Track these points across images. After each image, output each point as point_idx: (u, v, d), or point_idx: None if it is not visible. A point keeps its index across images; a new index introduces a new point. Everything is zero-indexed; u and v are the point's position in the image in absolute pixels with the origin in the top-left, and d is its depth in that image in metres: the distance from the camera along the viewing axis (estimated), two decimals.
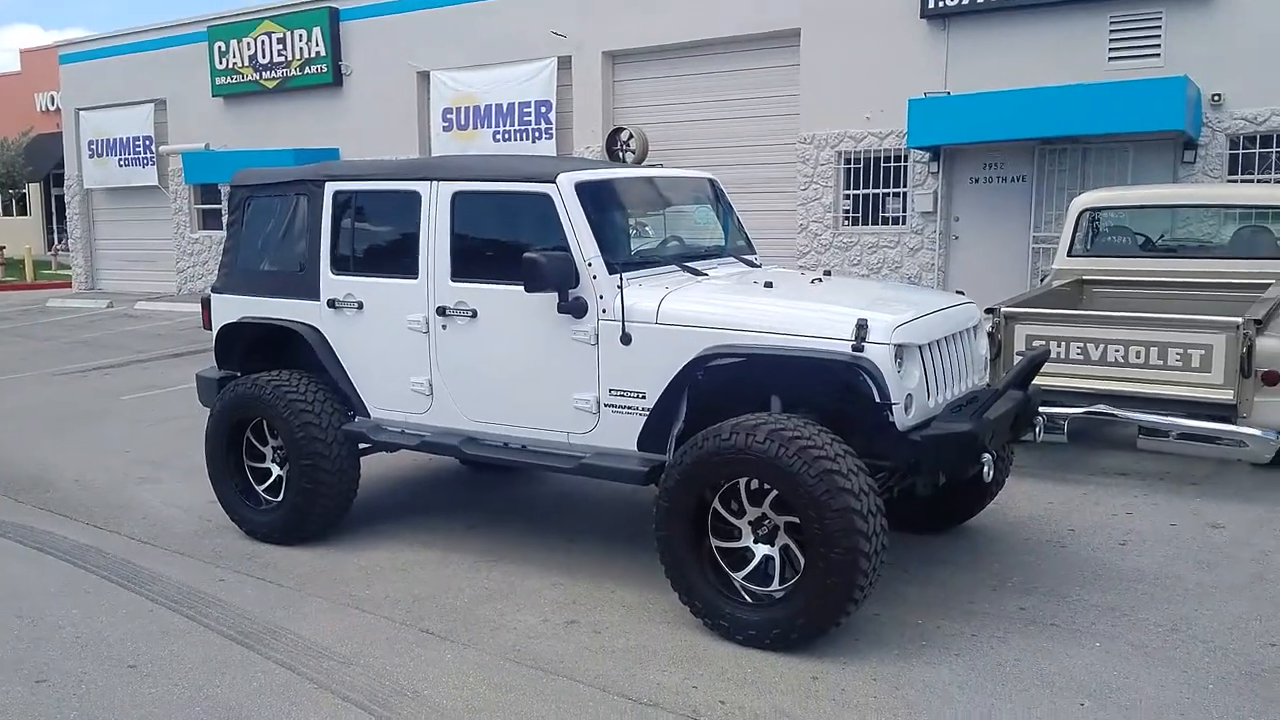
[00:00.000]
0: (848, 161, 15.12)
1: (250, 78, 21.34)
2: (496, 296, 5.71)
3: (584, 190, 5.56)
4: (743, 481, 4.93)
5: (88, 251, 25.15)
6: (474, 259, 5.87)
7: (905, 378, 4.96)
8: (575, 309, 5.43)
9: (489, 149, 18.06)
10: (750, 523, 5.01)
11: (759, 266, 6.42)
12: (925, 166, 14.44)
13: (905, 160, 14.63)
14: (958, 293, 6.06)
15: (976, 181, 14.20)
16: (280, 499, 6.52)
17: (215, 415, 6.70)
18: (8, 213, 37.85)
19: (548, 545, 6.34)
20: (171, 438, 9.57)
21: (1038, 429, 5.75)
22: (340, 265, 6.35)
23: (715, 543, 5.06)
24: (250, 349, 6.85)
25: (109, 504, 7.56)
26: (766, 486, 4.84)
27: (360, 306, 6.26)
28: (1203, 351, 6.86)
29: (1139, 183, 12.47)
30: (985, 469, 4.94)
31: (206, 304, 7.03)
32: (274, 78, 21.01)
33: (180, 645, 5.13)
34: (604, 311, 5.41)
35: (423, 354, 6.05)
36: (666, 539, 5.07)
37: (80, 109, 24.58)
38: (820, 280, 5.87)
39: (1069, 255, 9.23)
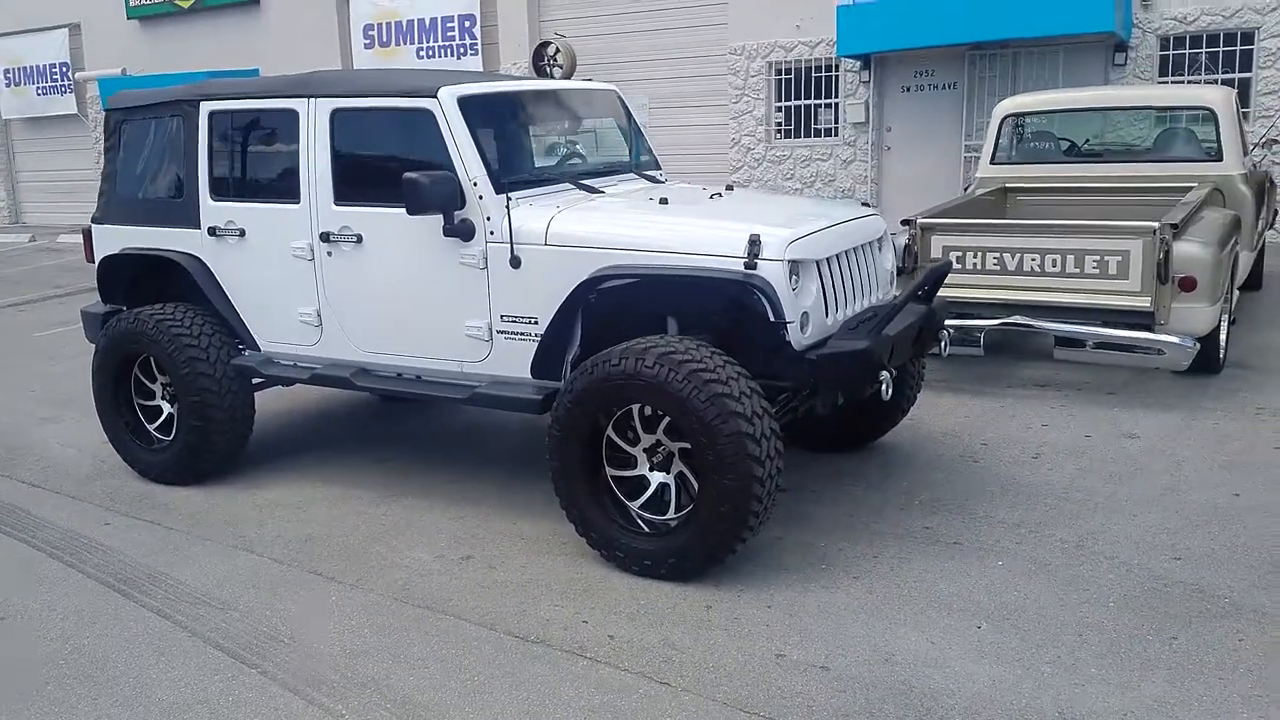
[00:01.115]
0: (778, 73, 14.80)
1: None
2: (381, 220, 5.42)
3: (468, 104, 5.25)
4: (635, 408, 4.74)
5: (10, 184, 24.32)
6: (357, 181, 5.56)
7: (801, 295, 4.77)
8: (462, 232, 5.17)
9: (414, 67, 17.50)
10: (645, 450, 4.83)
11: (663, 183, 6.15)
12: (856, 76, 14.16)
13: (836, 70, 14.33)
14: (863, 204, 5.86)
15: (908, 90, 13.95)
16: (171, 438, 6.26)
17: (99, 352, 6.40)
18: None
19: (454, 477, 6.15)
20: (81, 375, 9.11)
21: (943, 344, 5.59)
22: (219, 190, 6.02)
23: (610, 471, 4.88)
24: (134, 282, 6.53)
25: (5, 446, 7.27)
26: (659, 412, 4.65)
27: (242, 234, 5.94)
28: (1119, 258, 6.72)
29: (1070, 87, 12.26)
30: (883, 387, 4.77)
31: (88, 235, 6.68)
32: None
33: (55, 594, 4.91)
34: (491, 234, 5.15)
35: (309, 283, 5.77)
36: (560, 469, 4.88)
37: None
38: (720, 195, 5.63)
39: (992, 163, 9.04)
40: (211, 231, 6.01)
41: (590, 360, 4.72)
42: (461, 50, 17.08)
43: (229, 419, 6.10)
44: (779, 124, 14.90)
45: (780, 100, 14.84)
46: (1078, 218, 7.52)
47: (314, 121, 5.58)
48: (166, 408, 6.35)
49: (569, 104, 6.22)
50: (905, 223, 7.50)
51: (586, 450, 4.83)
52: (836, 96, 14.36)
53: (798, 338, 4.73)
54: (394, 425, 7.23)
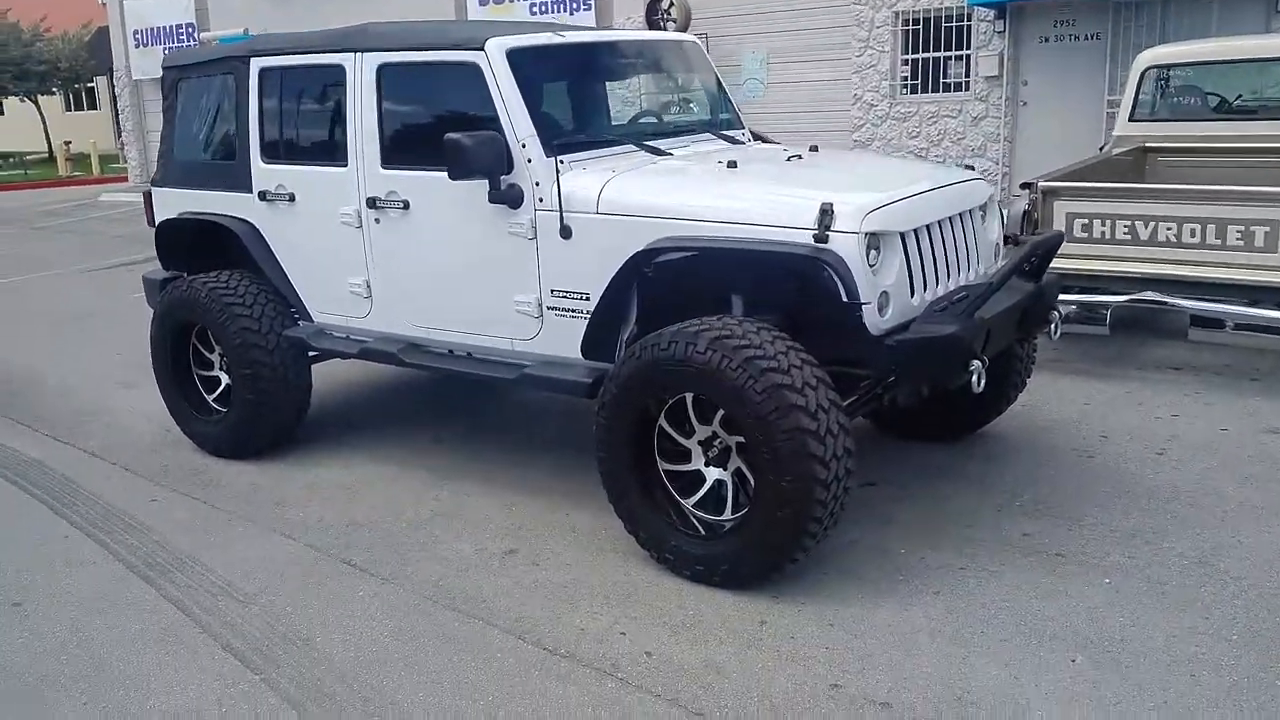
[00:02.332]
0: (906, 23, 13.86)
1: None
2: (428, 185, 5.01)
3: (518, 57, 4.78)
4: (689, 397, 4.23)
5: (141, 144, 24.88)
6: (404, 143, 5.17)
7: (881, 272, 4.18)
8: (509, 198, 4.72)
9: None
10: (700, 442, 4.34)
11: (743, 144, 5.58)
12: (990, 26, 13.14)
13: (968, 20, 13.33)
14: (966, 167, 5.20)
15: (1046, 41, 12.89)
16: (227, 410, 6.02)
17: (156, 321, 6.20)
18: (77, 107, 37.91)
19: (513, 461, 5.75)
20: None
21: (1054, 325, 4.91)
22: (271, 153, 5.70)
23: (663, 465, 4.40)
24: (194, 247, 6.29)
25: (76, 411, 7.17)
26: (714, 403, 4.14)
27: (292, 199, 5.62)
28: (1267, 228, 5.88)
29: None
30: (974, 378, 4.15)
31: (148, 198, 6.46)
32: None
33: (79, 578, 4.69)
34: (540, 201, 4.69)
35: (358, 252, 5.42)
36: (607, 459, 4.43)
37: None
38: (799, 157, 5.03)
39: (1131, 120, 8.15)
40: (262, 196, 5.71)
41: (639, 343, 4.24)
42: (575, 5, 16.60)
43: (283, 393, 5.82)
44: (905, 78, 13.99)
45: (907, 53, 13.92)
46: (1226, 183, 6.66)
47: (361, 77, 5.19)
48: (225, 379, 6.11)
49: (639, 57, 5.68)
50: (1025, 186, 6.77)
51: (636, 440, 4.35)
52: (968, 48, 13.37)
53: (875, 321, 4.15)
54: (455, 401, 6.86)
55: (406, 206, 5.14)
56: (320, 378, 6.70)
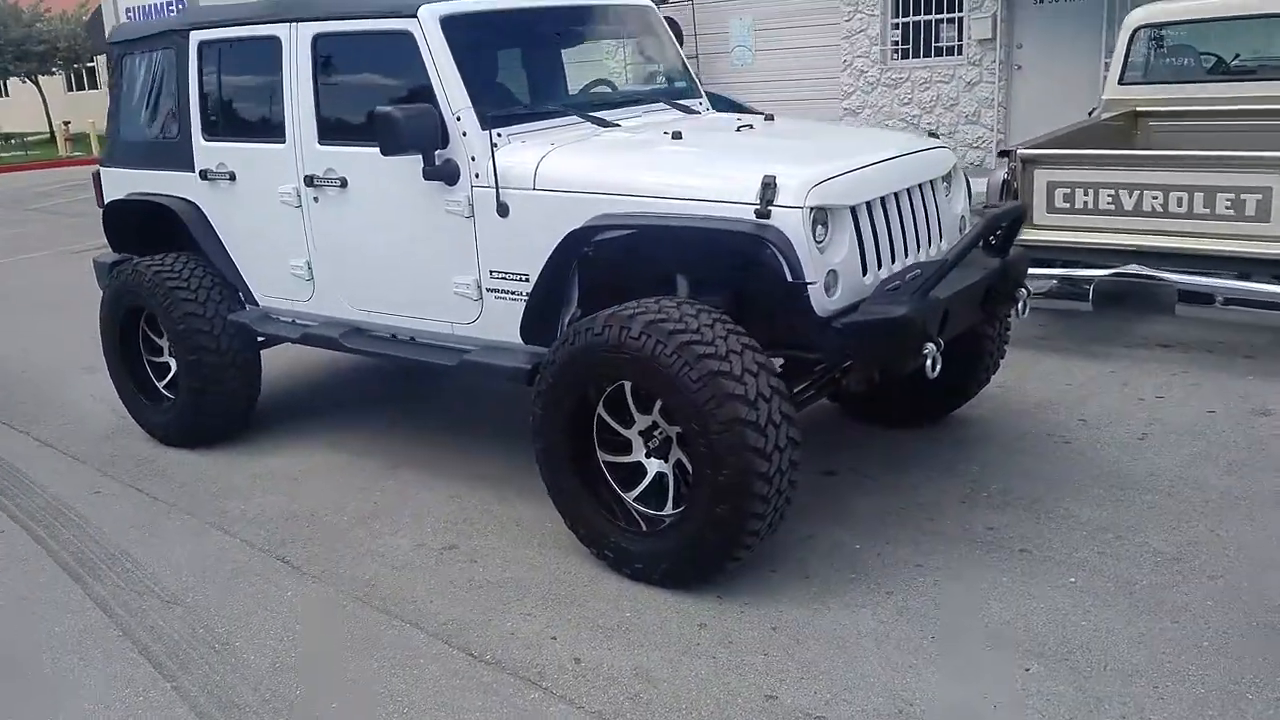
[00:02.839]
0: None
1: None
2: (366, 162, 4.76)
3: (453, 25, 4.52)
4: (627, 385, 4.00)
5: None
6: (341, 117, 4.92)
7: (830, 249, 3.92)
8: (445, 174, 4.48)
9: None
10: (641, 433, 4.10)
11: (699, 114, 5.31)
12: None
13: None
14: (930, 134, 4.92)
15: (1041, 3, 12.52)
16: (175, 398, 5.82)
17: (104, 305, 5.99)
18: (78, 87, 37.69)
19: (466, 447, 5.53)
20: None
21: (1021, 304, 4.63)
22: (211, 130, 5.47)
23: (603, 456, 4.17)
24: (143, 229, 6.05)
25: (36, 398, 6.99)
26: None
27: (233, 178, 5.39)
28: (1259, 196, 5.58)
29: None
30: (928, 362, 3.90)
31: (97, 179, 6.24)
32: None
33: (7, 578, 4.52)
34: (477, 176, 4.44)
35: (298, 232, 5.19)
36: (545, 450, 4.20)
37: None
38: (750, 127, 4.76)
39: (1121, 83, 7.82)
40: (204, 175, 5.48)
41: (573, 327, 4.00)
42: None
43: (230, 379, 5.61)
44: (895, 43, 13.62)
45: (897, 16, 13.55)
46: (1220, 148, 6.35)
47: (296, 49, 4.94)
48: (174, 365, 5.90)
49: (588, 22, 5.40)
50: (1004, 154, 6.47)
51: (574, 430, 4.12)
52: (960, 11, 12.99)
53: (822, 302, 3.89)
54: (418, 383, 6.62)
55: (344, 184, 4.90)
56: (281, 361, 6.51)
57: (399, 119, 4.26)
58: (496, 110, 4.55)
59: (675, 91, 5.41)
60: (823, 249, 3.89)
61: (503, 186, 4.35)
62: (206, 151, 5.46)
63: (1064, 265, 6.35)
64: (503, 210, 4.38)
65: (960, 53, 13.09)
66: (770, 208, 3.80)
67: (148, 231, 6.02)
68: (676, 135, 4.46)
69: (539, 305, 4.40)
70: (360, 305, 5.08)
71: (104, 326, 6.01)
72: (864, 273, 4.06)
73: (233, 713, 3.46)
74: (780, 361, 4.22)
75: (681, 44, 5.64)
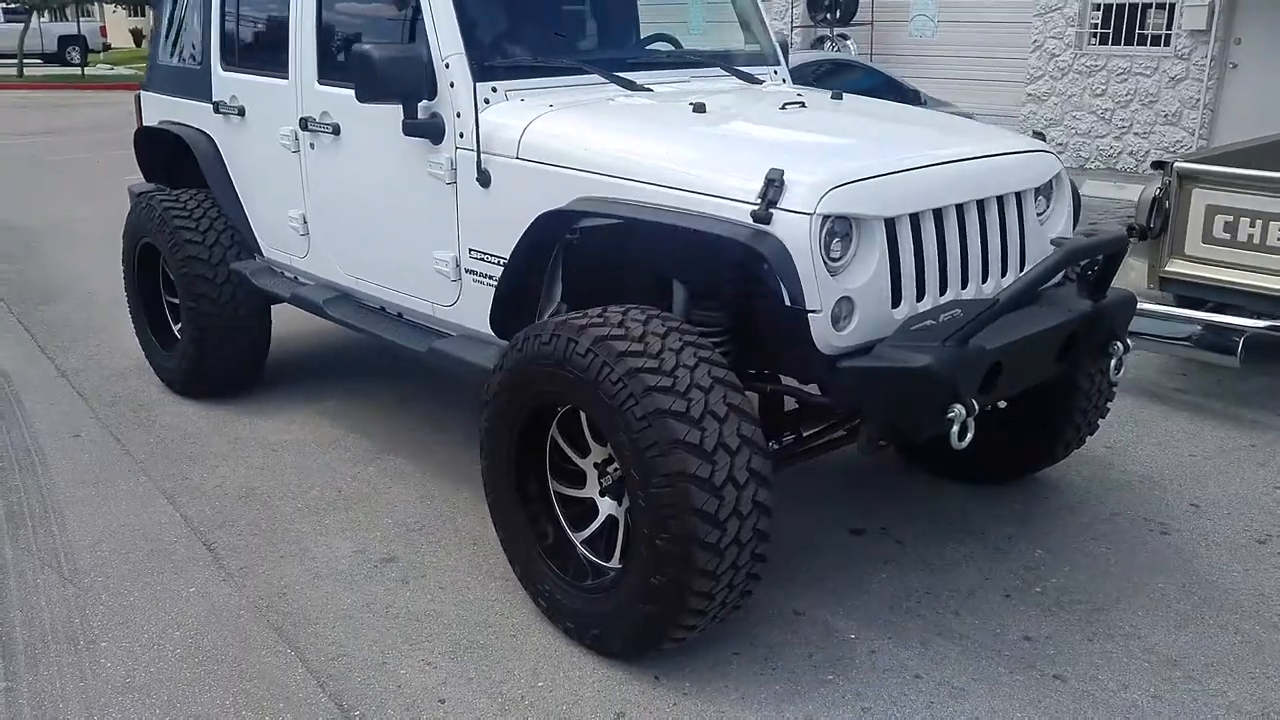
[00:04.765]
0: None
1: None
2: (356, 108, 4.12)
3: None
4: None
5: None
6: (338, 54, 4.32)
7: (849, 269, 3.10)
8: (428, 130, 3.83)
9: None
10: (596, 465, 3.38)
11: (760, 83, 4.48)
12: None
13: None
14: (1036, 134, 3.97)
15: None
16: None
17: (124, 239, 5.61)
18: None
19: (469, 439, 4.88)
20: None
21: (1114, 361, 3.64)
22: (229, 59, 4.99)
23: (556, 487, 3.47)
24: (174, 160, 5.64)
25: (84, 325, 6.75)
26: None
27: (242, 113, 4.89)
28: None
29: None
30: (954, 430, 3.02)
31: (138, 104, 5.87)
32: None
33: None
34: (460, 136, 3.78)
35: (296, 180, 4.65)
36: (488, 470, 3.53)
37: None
38: (801, 105, 3.91)
39: None
40: (216, 107, 5.00)
41: (523, 332, 3.30)
42: None
43: (230, 332, 5.15)
44: (1095, 25, 12.18)
45: None
46: None
47: None
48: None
49: None
50: (1157, 166, 5.39)
51: (523, 453, 3.44)
52: None
53: (827, 335, 3.07)
54: None
55: (337, 131, 4.32)
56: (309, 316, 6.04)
57: (375, 60, 3.63)
58: (497, 59, 3.86)
59: (742, 56, 4.58)
60: (837, 269, 3.07)
61: (485, 151, 3.67)
62: (223, 82, 4.98)
63: (1215, 309, 5.24)
64: (484, 179, 3.71)
65: (1167, 43, 11.60)
66: (771, 211, 3.00)
67: (179, 163, 5.59)
68: (698, 108, 3.67)
69: (509, 296, 3.71)
70: (350, 270, 4.51)
71: (124, 261, 5.65)
72: (895, 304, 3.21)
73: None
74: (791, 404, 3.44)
75: None
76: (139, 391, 5.56)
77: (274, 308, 5.27)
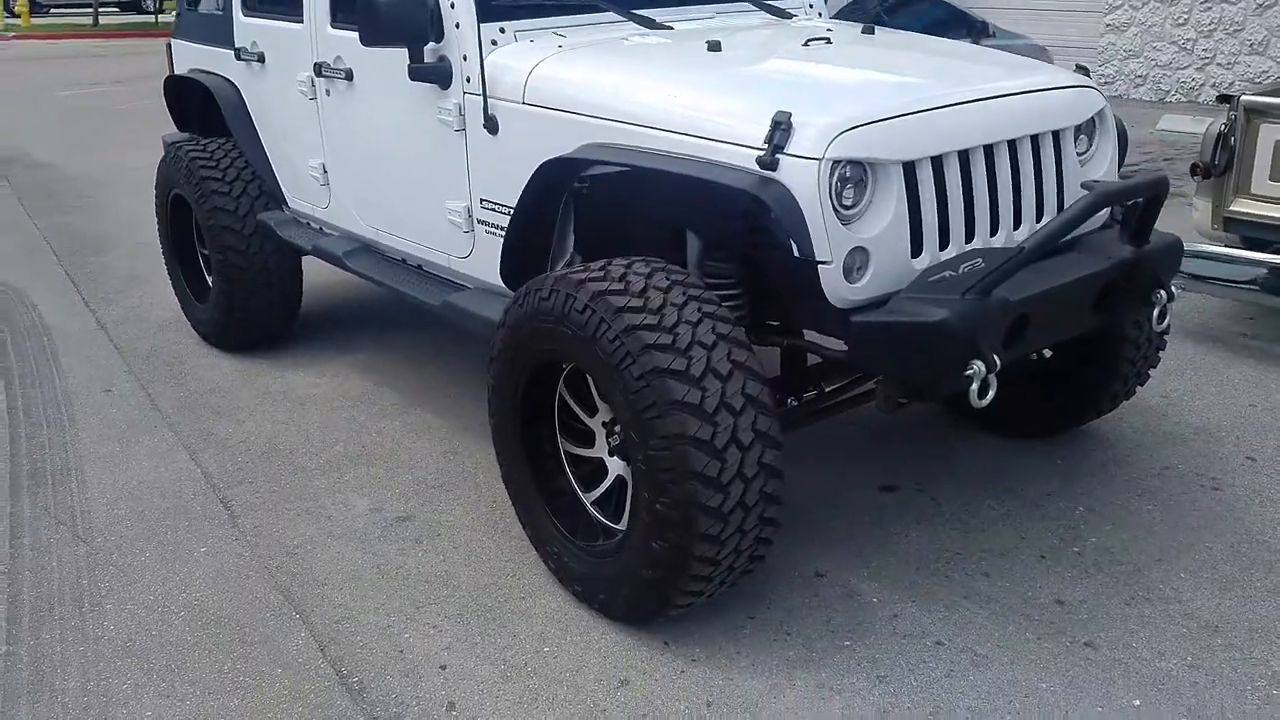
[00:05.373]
0: None
1: None
2: (368, 51, 4.00)
3: None
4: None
5: None
6: None
7: (863, 218, 2.92)
8: (435, 75, 3.70)
9: None
10: (605, 424, 3.26)
11: (790, 20, 4.25)
12: None
13: None
14: (1079, 69, 3.71)
15: None
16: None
17: (157, 189, 5.58)
18: None
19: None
20: None
21: (1158, 310, 3.40)
22: (249, 3, 4.89)
23: (565, 446, 3.37)
24: (205, 110, 5.57)
25: (130, 276, 6.78)
26: None
27: (262, 59, 4.80)
28: None
29: None
30: (974, 387, 2.83)
31: (169, 51, 5.80)
32: None
33: None
34: (468, 81, 3.64)
35: (314, 128, 4.55)
36: (497, 429, 3.43)
37: None
38: (826, 41, 3.68)
39: None
40: (238, 54, 4.90)
41: (526, 286, 3.17)
42: None
43: (258, 283, 5.11)
44: None
45: None
46: None
47: None
48: None
49: None
50: (1223, 99, 5.06)
51: (530, 410, 3.34)
52: None
53: (839, 288, 2.90)
54: None
55: (350, 77, 4.20)
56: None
57: (378, 1, 3.49)
58: None
59: None
60: (850, 218, 2.88)
61: (491, 96, 3.53)
62: (244, 28, 4.89)
63: (1278, 249, 4.94)
64: (491, 125, 3.57)
65: None
66: (778, 156, 2.82)
67: (209, 113, 5.52)
68: (713, 46, 3.48)
69: (518, 247, 3.58)
70: (369, 221, 4.42)
71: (158, 212, 5.63)
72: (915, 253, 3.01)
73: (33, 703, 2.93)
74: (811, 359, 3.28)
75: None
76: (175, 344, 5.56)
77: (308, 259, 5.22)
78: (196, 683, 2.97)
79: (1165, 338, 4.00)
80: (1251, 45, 11.08)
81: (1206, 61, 11.46)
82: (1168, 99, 11.80)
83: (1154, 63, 11.88)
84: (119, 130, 12.10)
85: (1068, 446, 4.19)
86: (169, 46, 5.78)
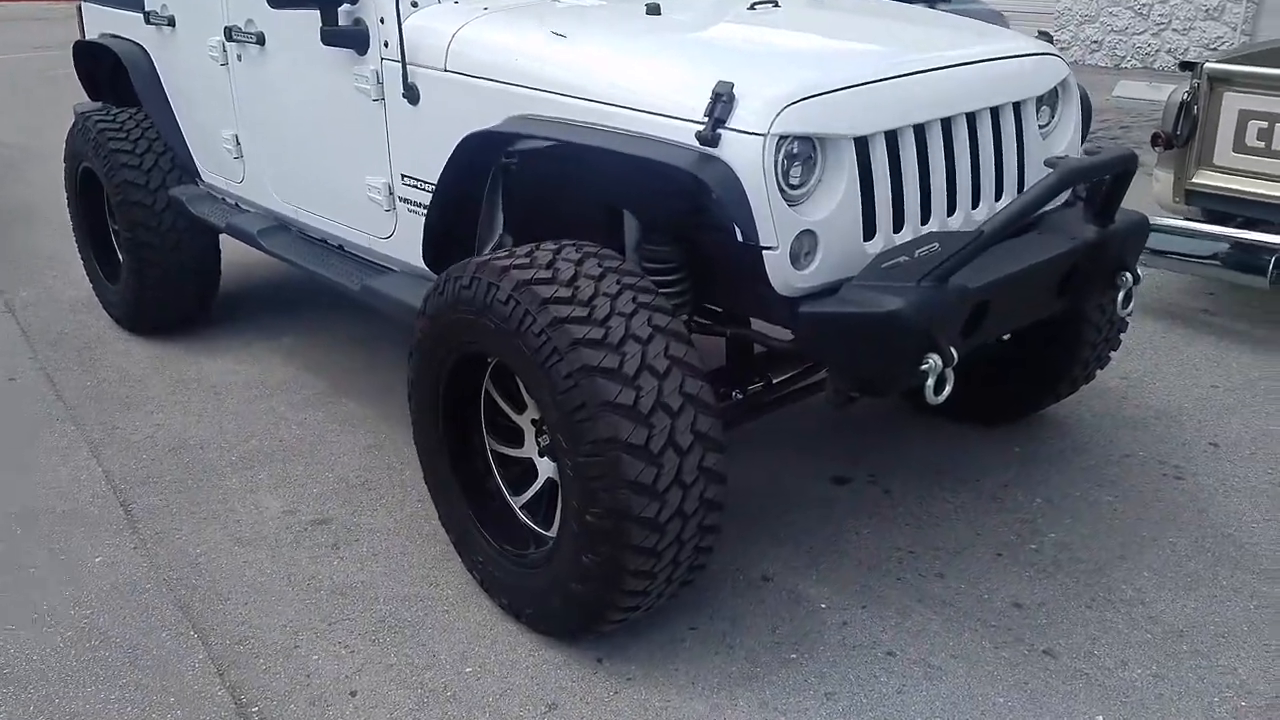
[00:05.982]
0: None
1: None
2: (281, 15, 3.71)
3: None
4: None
5: None
6: None
7: (811, 199, 2.68)
8: (350, 39, 3.41)
9: None
10: (534, 421, 3.01)
11: None
12: None
13: None
14: (1041, 35, 3.48)
15: None
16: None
17: (65, 161, 5.22)
18: None
19: None
20: None
21: (1123, 294, 3.20)
22: None
23: (493, 445, 3.11)
24: (115, 75, 5.21)
25: (49, 255, 6.40)
26: None
27: (172, 23, 4.46)
28: None
29: None
30: (929, 382, 2.61)
31: (80, 15, 5.42)
32: None
33: None
34: (385, 45, 3.34)
35: (226, 96, 4.22)
36: (417, 423, 3.17)
37: None
38: (774, 5, 3.43)
39: None
40: (147, 17, 4.56)
41: (447, 272, 2.90)
42: None
43: (172, 262, 4.79)
44: None
45: None
46: None
47: None
48: None
49: None
50: (1185, 66, 4.87)
51: (453, 404, 3.07)
52: None
53: (786, 275, 2.66)
54: None
55: (261, 41, 3.88)
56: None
57: None
58: None
59: None
60: (797, 199, 2.64)
61: (411, 63, 3.24)
62: None
63: (1245, 224, 4.77)
64: (411, 95, 3.28)
65: None
66: (719, 131, 2.56)
67: (121, 81, 5.16)
68: (652, 9, 3.22)
69: (439, 226, 3.31)
70: (286, 198, 4.12)
71: (66, 186, 5.27)
72: (868, 236, 2.78)
73: None
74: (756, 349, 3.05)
75: None
76: (85, 329, 5.24)
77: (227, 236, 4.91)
78: (76, 716, 2.69)
79: (1128, 320, 3.81)
80: (1207, 10, 10.95)
81: (1162, 27, 11.33)
82: (1123, 64, 11.66)
83: (1110, 28, 11.72)
84: (55, 97, 11.54)
85: (1026, 432, 4.01)
86: (80, 9, 5.39)
